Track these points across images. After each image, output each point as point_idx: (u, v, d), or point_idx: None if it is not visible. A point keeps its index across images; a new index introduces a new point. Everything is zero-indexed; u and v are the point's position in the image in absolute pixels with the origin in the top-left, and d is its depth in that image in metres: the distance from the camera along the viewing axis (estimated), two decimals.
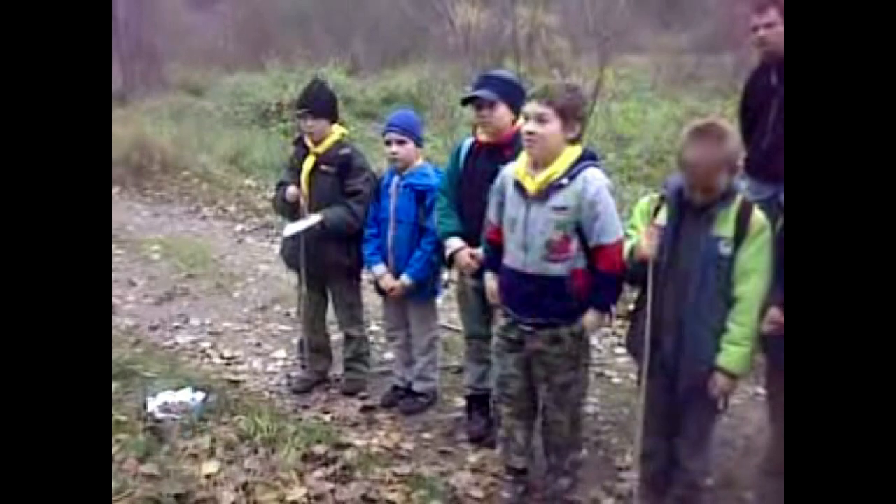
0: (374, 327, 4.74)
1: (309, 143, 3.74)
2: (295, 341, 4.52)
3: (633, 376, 4.07)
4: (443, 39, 14.41)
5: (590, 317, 2.70)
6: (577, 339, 2.73)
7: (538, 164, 2.63)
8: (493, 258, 2.91)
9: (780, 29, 3.57)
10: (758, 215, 2.44)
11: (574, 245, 2.62)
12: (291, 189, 3.70)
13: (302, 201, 3.68)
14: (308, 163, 3.72)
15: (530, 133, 2.57)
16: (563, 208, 2.58)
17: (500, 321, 2.89)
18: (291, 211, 3.74)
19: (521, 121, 2.80)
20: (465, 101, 3.25)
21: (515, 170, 2.70)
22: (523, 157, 2.70)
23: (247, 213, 7.72)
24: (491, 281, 2.95)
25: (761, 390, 3.57)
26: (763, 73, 3.80)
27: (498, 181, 2.84)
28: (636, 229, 2.66)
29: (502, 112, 3.09)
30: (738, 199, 2.47)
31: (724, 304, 2.46)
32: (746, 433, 3.46)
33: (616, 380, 4.07)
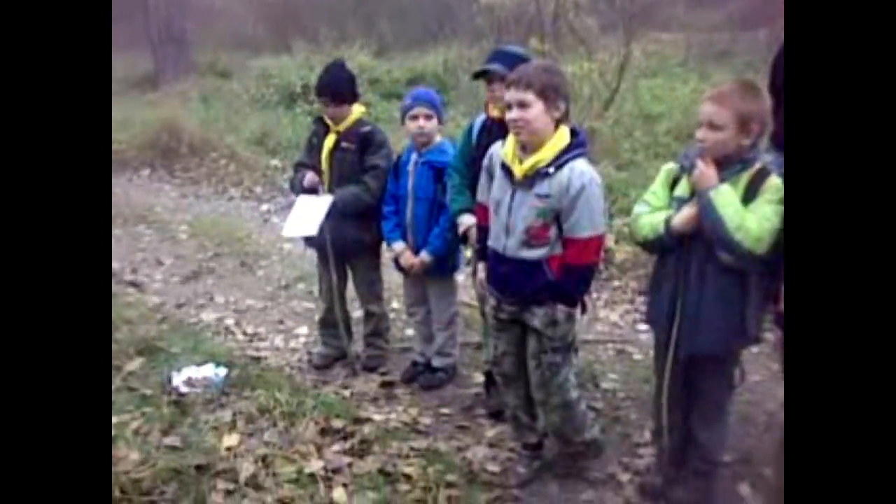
0: (395, 304, 4.77)
1: (329, 121, 3.75)
2: (316, 318, 4.57)
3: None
4: (470, 20, 14.30)
5: (559, 311, 2.66)
6: (570, 323, 2.70)
7: (527, 148, 2.61)
8: (484, 246, 2.89)
9: None
10: (774, 179, 2.38)
11: (553, 232, 2.60)
12: (309, 175, 3.71)
13: (316, 184, 3.69)
14: (329, 140, 3.74)
15: (514, 121, 2.54)
16: (546, 196, 2.55)
17: (489, 301, 2.88)
18: (308, 192, 3.76)
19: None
20: (477, 76, 3.23)
21: (504, 151, 2.67)
22: (511, 140, 2.67)
23: (272, 194, 7.77)
24: (481, 273, 2.96)
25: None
26: None
27: (486, 160, 2.82)
28: (655, 195, 2.63)
29: None
30: (756, 166, 2.42)
31: (732, 273, 2.42)
32: (769, 409, 3.43)
33: (637, 356, 4.05)
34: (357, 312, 4.22)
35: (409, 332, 4.37)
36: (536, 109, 2.52)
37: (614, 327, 4.47)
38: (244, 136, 9.77)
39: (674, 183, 2.61)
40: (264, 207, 7.49)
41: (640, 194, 2.80)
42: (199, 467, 2.78)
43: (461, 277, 4.06)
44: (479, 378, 3.76)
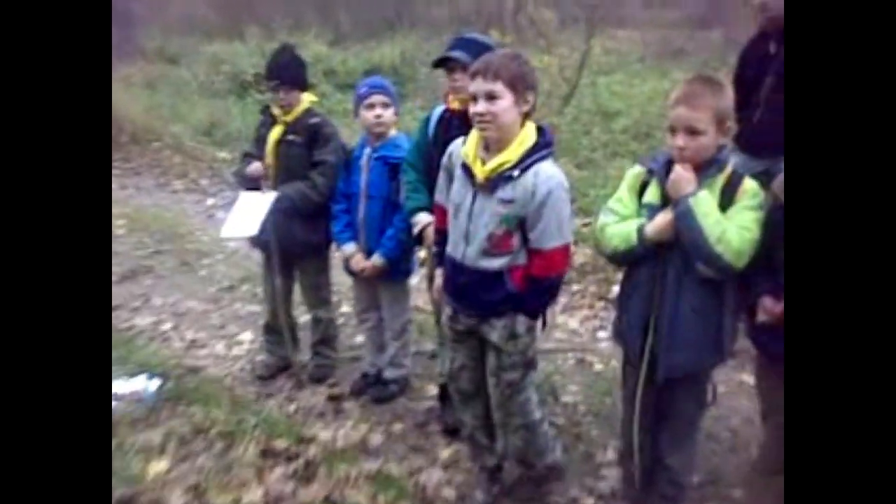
0: (344, 308, 4.52)
1: (276, 112, 3.47)
2: (261, 322, 4.29)
3: (616, 364, 3.91)
4: (428, 10, 14.07)
5: (520, 322, 2.47)
6: (531, 335, 2.51)
7: (491, 147, 2.38)
8: (442, 251, 2.67)
9: None
10: (749, 183, 2.23)
11: (516, 240, 2.39)
12: (254, 164, 3.44)
13: (261, 174, 3.42)
14: (275, 132, 3.46)
15: (481, 115, 2.29)
16: (510, 201, 2.33)
17: (446, 311, 2.66)
18: (253, 187, 3.48)
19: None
20: (437, 64, 2.99)
21: (464, 151, 2.44)
22: (473, 137, 2.43)
23: (219, 187, 7.39)
24: (439, 278, 2.74)
25: (747, 378, 3.39)
26: (760, 42, 3.59)
27: (446, 158, 2.59)
28: (622, 203, 2.43)
29: None
30: (728, 169, 2.25)
31: (709, 285, 2.25)
32: (732, 426, 3.29)
33: (598, 367, 3.87)
34: (304, 317, 3.96)
35: (359, 339, 4.12)
36: (506, 102, 2.29)
37: (573, 335, 4.28)
38: (191, 125, 9.37)
39: (641, 188, 2.42)
40: (210, 202, 7.11)
41: (600, 195, 2.58)
42: (120, 501, 2.49)
43: (415, 281, 3.83)
44: (434, 390, 3.54)
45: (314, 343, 3.76)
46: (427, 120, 3.09)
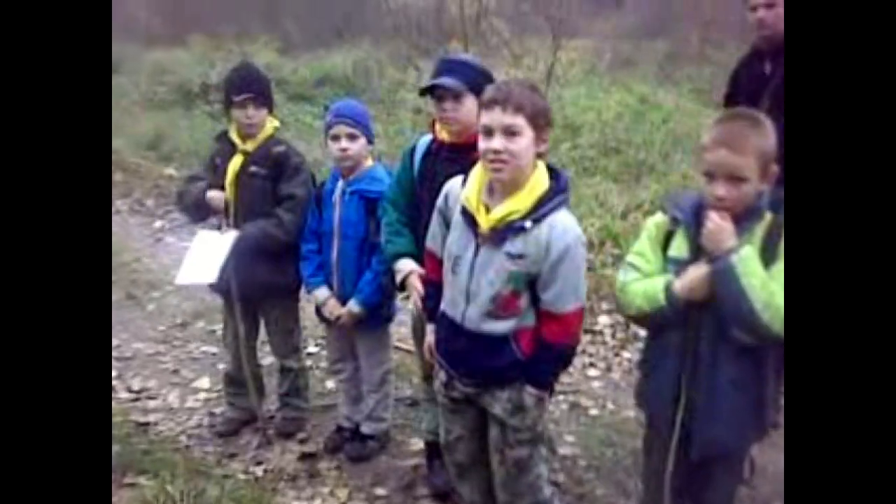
0: (311, 348, 4.14)
1: (236, 138, 3.08)
2: (221, 366, 3.88)
3: (612, 406, 3.65)
4: (378, 18, 13.71)
5: (528, 393, 2.16)
6: (541, 408, 2.21)
7: (497, 191, 2.07)
8: (433, 306, 2.36)
9: (781, 11, 3.16)
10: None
11: (524, 301, 2.10)
12: (214, 193, 3.04)
13: (220, 204, 3.04)
14: (235, 163, 3.07)
15: (496, 152, 1.97)
16: (520, 257, 2.03)
17: (439, 376, 2.34)
18: (202, 215, 3.10)
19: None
20: (425, 92, 2.65)
21: (466, 195, 2.12)
22: (476, 178, 2.12)
23: (167, 208, 6.85)
24: (430, 336, 2.41)
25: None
26: (754, 61, 3.39)
27: (441, 199, 2.28)
28: (644, 258, 2.14)
29: (470, 105, 2.50)
30: (767, 217, 1.97)
31: (749, 353, 1.97)
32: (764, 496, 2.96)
33: (593, 411, 3.58)
34: (269, 359, 3.57)
35: (330, 384, 3.76)
36: (526, 139, 1.98)
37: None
38: (133, 139, 8.79)
39: (665, 240, 2.13)
40: (157, 224, 6.60)
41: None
42: None
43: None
44: (417, 444, 3.21)
45: (282, 394, 3.37)
46: (410, 152, 2.75)
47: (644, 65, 13.06)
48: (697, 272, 1.97)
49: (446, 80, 2.49)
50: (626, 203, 5.84)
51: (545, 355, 2.13)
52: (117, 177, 7.74)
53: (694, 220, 2.02)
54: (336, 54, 13.08)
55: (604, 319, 4.41)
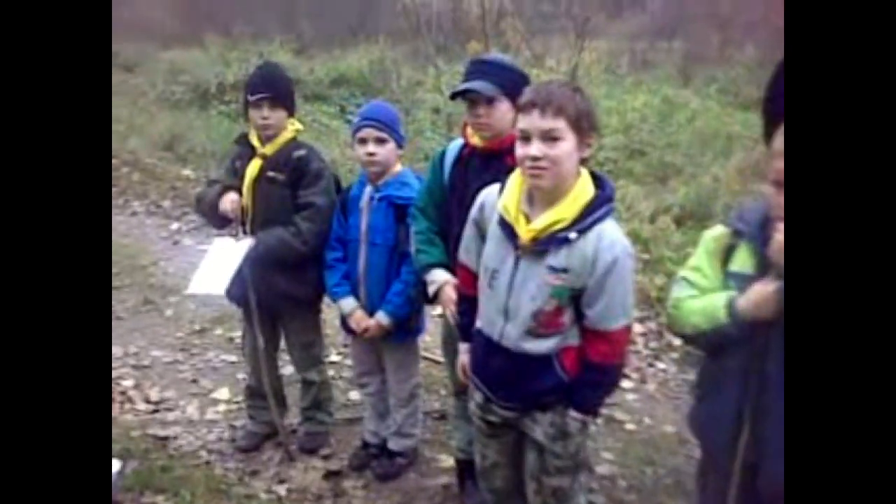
0: (334, 357, 4.01)
1: (255, 142, 2.95)
2: (240, 376, 3.76)
3: (648, 420, 3.49)
4: (394, 18, 13.62)
5: (572, 418, 2.02)
6: (585, 434, 2.08)
7: (538, 200, 1.93)
8: (467, 322, 2.21)
9: None
10: None
11: (567, 317, 1.95)
12: (230, 197, 2.90)
13: (236, 210, 2.90)
14: (253, 167, 2.93)
15: (536, 159, 1.83)
16: (564, 270, 1.89)
17: (475, 397, 2.19)
18: (221, 222, 2.96)
19: None
20: (456, 95, 2.50)
21: (504, 203, 1.97)
22: (514, 186, 1.97)
23: (184, 210, 6.73)
24: (464, 355, 2.26)
25: None
26: None
27: (475, 209, 2.12)
28: (701, 272, 1.98)
29: (504, 110, 2.35)
30: None
31: None
32: None
33: (629, 426, 3.42)
34: (289, 367, 3.43)
35: (354, 395, 3.62)
36: (568, 144, 1.83)
37: None
38: (150, 139, 8.72)
39: (725, 254, 1.97)
40: (174, 226, 6.48)
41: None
42: None
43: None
44: (447, 461, 3.06)
45: (304, 408, 3.24)
46: (440, 157, 2.60)
47: (663, 65, 12.90)
48: (765, 288, 1.80)
49: (478, 85, 2.34)
50: (654, 207, 5.68)
51: (591, 377, 1.99)
52: (134, 177, 7.67)
53: (760, 232, 1.86)
54: (352, 54, 13.00)
55: (636, 328, 4.24)
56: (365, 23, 15.94)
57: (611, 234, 1.89)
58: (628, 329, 1.98)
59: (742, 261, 1.91)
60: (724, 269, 1.95)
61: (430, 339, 3.76)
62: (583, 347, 1.98)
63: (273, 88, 2.88)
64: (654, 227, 5.35)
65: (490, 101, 2.34)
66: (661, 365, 4.00)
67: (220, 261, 2.86)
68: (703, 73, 11.78)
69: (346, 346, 4.06)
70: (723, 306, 1.86)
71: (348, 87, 11.61)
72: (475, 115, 2.40)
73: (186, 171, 7.68)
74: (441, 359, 3.90)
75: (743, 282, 1.87)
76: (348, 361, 3.95)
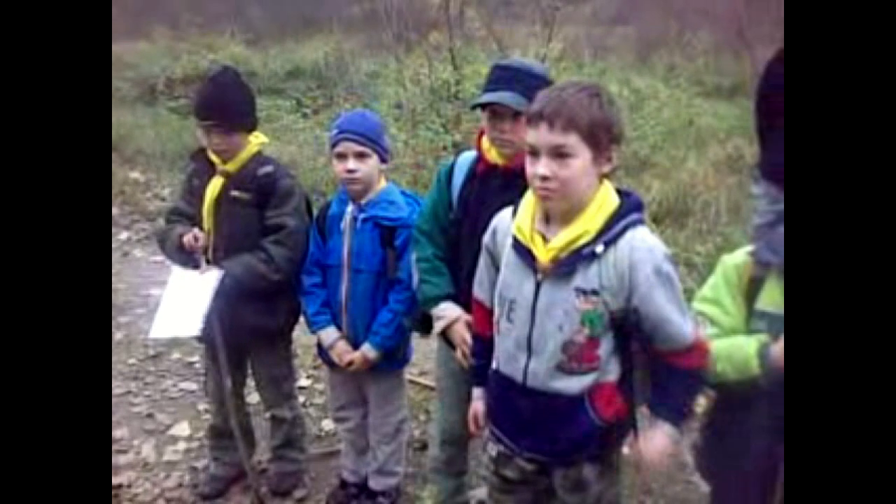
0: (303, 381, 3.70)
1: (214, 158, 2.62)
2: (202, 407, 3.43)
3: None
4: (348, 5, 13.23)
5: (658, 437, 1.74)
6: (606, 481, 1.84)
7: (555, 218, 1.69)
8: (483, 364, 1.94)
9: None
10: None
11: (604, 350, 1.70)
12: (189, 235, 2.56)
13: (202, 246, 2.56)
14: (213, 187, 2.60)
15: (543, 179, 1.60)
16: (595, 293, 1.64)
17: (489, 450, 1.94)
18: (187, 258, 2.61)
19: None
20: (478, 106, 2.19)
21: (517, 224, 1.73)
22: (528, 204, 1.74)
23: (133, 217, 6.32)
24: (478, 401, 1.99)
25: None
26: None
27: (488, 236, 1.88)
28: (722, 308, 1.76)
29: None
30: None
31: None
32: None
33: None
34: (256, 397, 3.11)
35: (327, 424, 3.33)
36: (580, 161, 1.60)
37: None
38: None
39: (751, 287, 1.74)
40: (123, 236, 6.05)
41: None
42: None
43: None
44: (433, 496, 2.79)
45: (276, 447, 2.93)
46: (447, 172, 2.30)
47: (619, 51, 12.76)
48: None
49: (508, 97, 2.05)
50: None
51: (678, 385, 1.73)
52: None
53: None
54: (306, 45, 12.57)
55: None
56: (317, 13, 15.50)
57: (645, 240, 1.66)
58: (703, 339, 1.71)
59: (772, 297, 1.69)
60: (748, 304, 1.73)
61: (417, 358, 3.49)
62: (659, 361, 1.73)
63: (225, 115, 2.53)
64: None
65: (516, 116, 2.05)
66: None
67: (184, 297, 2.53)
68: (661, 59, 11.67)
69: (316, 367, 3.77)
70: (754, 355, 1.64)
71: (304, 79, 11.19)
72: (499, 129, 2.11)
73: (135, 174, 7.23)
74: (421, 380, 3.65)
75: (774, 323, 1.66)
76: (319, 386, 3.67)
